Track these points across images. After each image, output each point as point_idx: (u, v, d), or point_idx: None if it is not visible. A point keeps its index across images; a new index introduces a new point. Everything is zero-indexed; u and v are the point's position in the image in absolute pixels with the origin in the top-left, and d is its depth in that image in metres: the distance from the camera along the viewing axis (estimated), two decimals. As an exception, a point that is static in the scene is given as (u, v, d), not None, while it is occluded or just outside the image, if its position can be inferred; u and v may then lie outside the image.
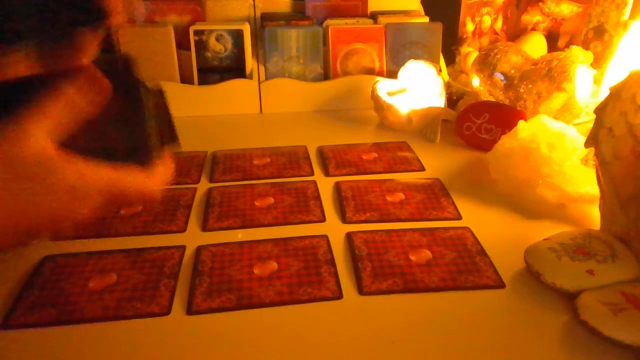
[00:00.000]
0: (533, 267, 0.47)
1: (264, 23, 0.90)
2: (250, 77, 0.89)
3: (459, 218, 0.58)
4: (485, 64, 0.79)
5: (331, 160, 0.71)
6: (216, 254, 0.51)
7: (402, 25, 0.92)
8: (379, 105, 0.82)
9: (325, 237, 0.54)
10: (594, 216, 0.57)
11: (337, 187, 0.64)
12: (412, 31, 0.91)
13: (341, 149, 0.74)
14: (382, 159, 0.71)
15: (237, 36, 0.87)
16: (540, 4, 0.94)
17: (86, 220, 0.34)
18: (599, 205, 0.53)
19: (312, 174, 0.68)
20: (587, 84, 0.72)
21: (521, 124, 0.65)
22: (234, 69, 0.89)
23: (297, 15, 0.95)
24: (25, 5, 0.31)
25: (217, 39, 0.86)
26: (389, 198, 0.61)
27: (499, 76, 0.78)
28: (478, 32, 1.01)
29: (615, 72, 0.79)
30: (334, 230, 0.55)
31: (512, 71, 0.77)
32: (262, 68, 0.89)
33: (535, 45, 0.90)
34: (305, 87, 0.89)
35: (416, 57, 0.85)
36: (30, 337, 0.41)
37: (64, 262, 0.50)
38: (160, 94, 0.40)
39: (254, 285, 0.47)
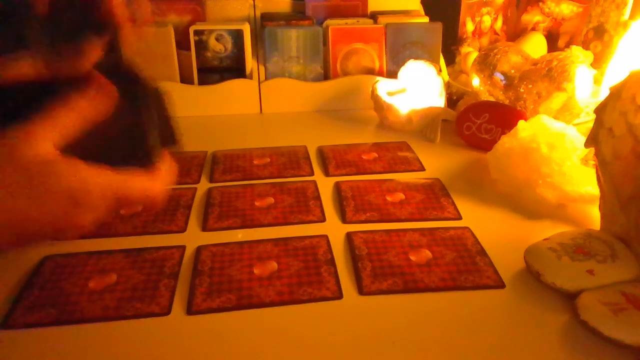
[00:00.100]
0: (533, 267, 0.47)
1: (264, 23, 0.90)
2: (250, 77, 0.89)
3: (459, 218, 0.58)
4: (485, 64, 0.79)
5: (331, 160, 0.71)
6: (216, 254, 0.51)
7: (402, 25, 0.92)
8: (379, 105, 0.81)
9: (325, 237, 0.54)
10: (594, 216, 0.56)
11: (337, 187, 0.64)
12: (412, 31, 0.91)
13: (341, 149, 0.74)
14: (382, 159, 0.71)
15: (237, 36, 0.87)
16: (540, 4, 0.93)
17: (90, 229, 0.34)
18: (599, 205, 0.53)
19: (312, 174, 0.68)
20: (587, 84, 0.72)
21: (521, 124, 0.65)
22: (234, 69, 0.88)
23: (297, 15, 0.95)
24: (33, 12, 0.31)
25: (217, 39, 0.86)
26: (389, 198, 0.61)
27: (499, 76, 0.78)
28: (478, 32, 1.01)
29: (615, 72, 0.79)
30: (334, 230, 0.55)
31: (512, 71, 0.77)
32: (262, 68, 0.89)
33: (535, 45, 0.90)
34: (305, 87, 0.89)
35: (416, 57, 0.85)
36: (30, 337, 0.41)
37: (64, 262, 0.50)
38: (161, 95, 0.40)
39: (254, 285, 0.47)
